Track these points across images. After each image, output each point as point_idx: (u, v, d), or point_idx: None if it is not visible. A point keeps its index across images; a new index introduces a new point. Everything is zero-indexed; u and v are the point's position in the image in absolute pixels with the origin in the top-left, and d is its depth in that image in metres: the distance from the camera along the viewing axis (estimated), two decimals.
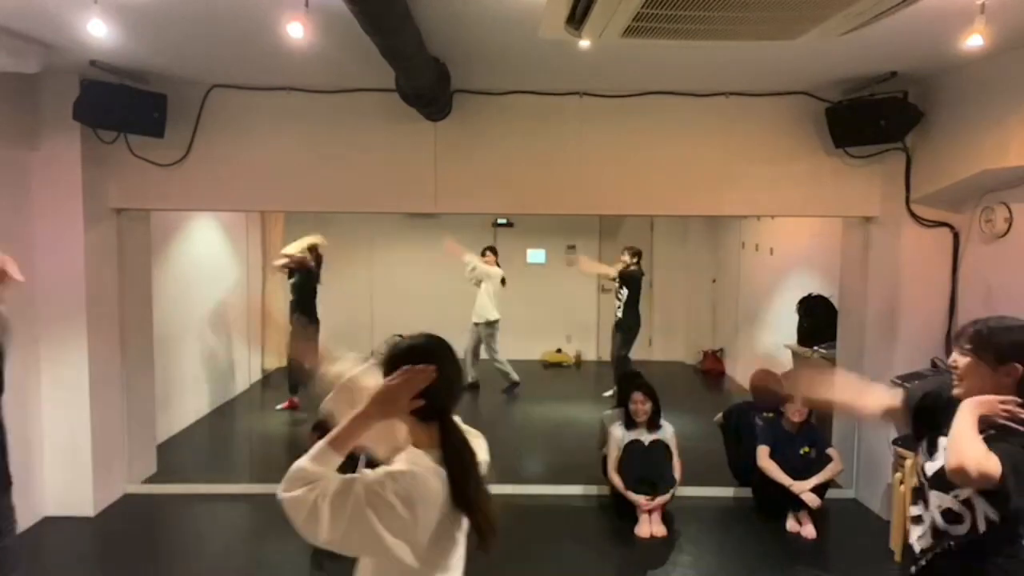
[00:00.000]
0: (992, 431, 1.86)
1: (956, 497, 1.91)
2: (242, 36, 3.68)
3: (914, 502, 2.12)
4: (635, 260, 7.90)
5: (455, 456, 1.63)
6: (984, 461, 1.72)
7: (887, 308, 4.81)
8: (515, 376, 8.29)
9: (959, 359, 1.93)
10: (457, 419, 1.75)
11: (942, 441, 1.94)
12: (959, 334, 1.97)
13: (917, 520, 2.08)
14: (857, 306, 5.12)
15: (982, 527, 1.88)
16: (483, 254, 8.37)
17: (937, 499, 1.97)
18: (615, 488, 4.74)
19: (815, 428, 4.86)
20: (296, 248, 7.24)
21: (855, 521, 4.80)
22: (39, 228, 4.55)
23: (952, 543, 1.95)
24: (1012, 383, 1.84)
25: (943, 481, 1.91)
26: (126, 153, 4.73)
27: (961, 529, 1.92)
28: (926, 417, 2.05)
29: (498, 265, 8.36)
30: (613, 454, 4.80)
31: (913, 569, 2.07)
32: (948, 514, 1.94)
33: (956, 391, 1.94)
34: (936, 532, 1.98)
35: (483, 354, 8.28)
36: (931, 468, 2.00)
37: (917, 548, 2.06)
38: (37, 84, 4.44)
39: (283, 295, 8.66)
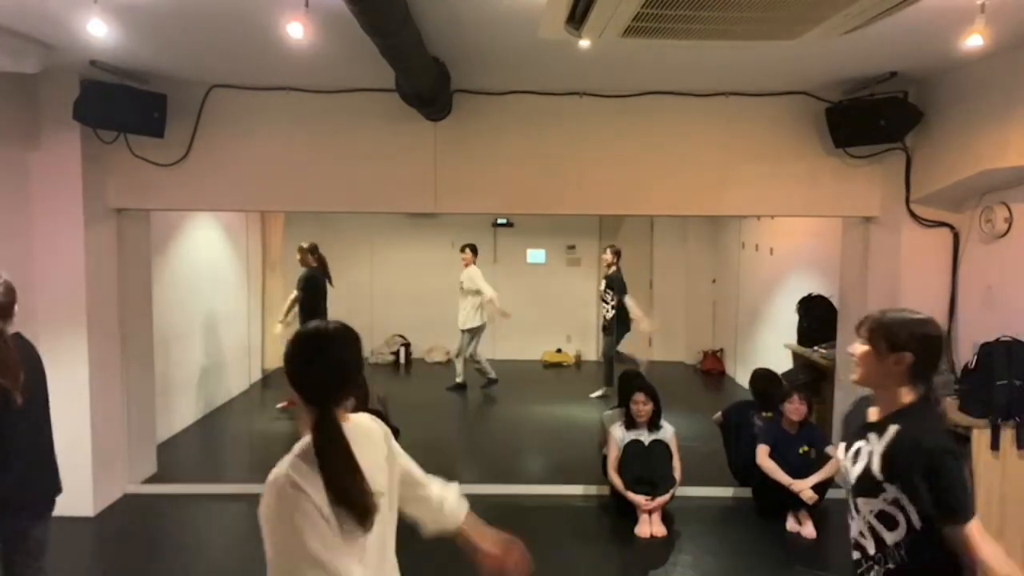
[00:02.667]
0: (898, 416, 1.95)
1: (885, 500, 1.95)
2: (242, 36, 3.68)
3: (849, 511, 2.13)
4: (615, 260, 7.82)
5: (324, 446, 1.63)
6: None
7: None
8: (461, 379, 8.30)
9: (857, 347, 2.03)
10: (363, 416, 1.79)
11: (862, 446, 2.02)
12: (859, 324, 2.07)
13: (849, 529, 2.10)
14: (857, 306, 5.11)
15: (918, 525, 1.91)
16: (462, 251, 8.26)
17: (866, 504, 2.00)
18: (615, 488, 4.74)
19: (814, 427, 4.86)
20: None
21: None
22: (39, 228, 4.55)
23: (900, 555, 1.95)
24: (902, 370, 1.95)
25: (866, 486, 1.98)
26: (126, 153, 4.74)
27: (899, 533, 1.94)
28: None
29: (475, 263, 8.23)
30: (613, 454, 4.80)
31: None
32: (883, 517, 1.97)
33: (852, 376, 2.05)
34: (875, 539, 2.00)
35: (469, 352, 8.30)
36: (853, 474, 2.04)
37: (855, 556, 2.08)
38: (37, 84, 4.44)
39: (283, 296, 8.67)
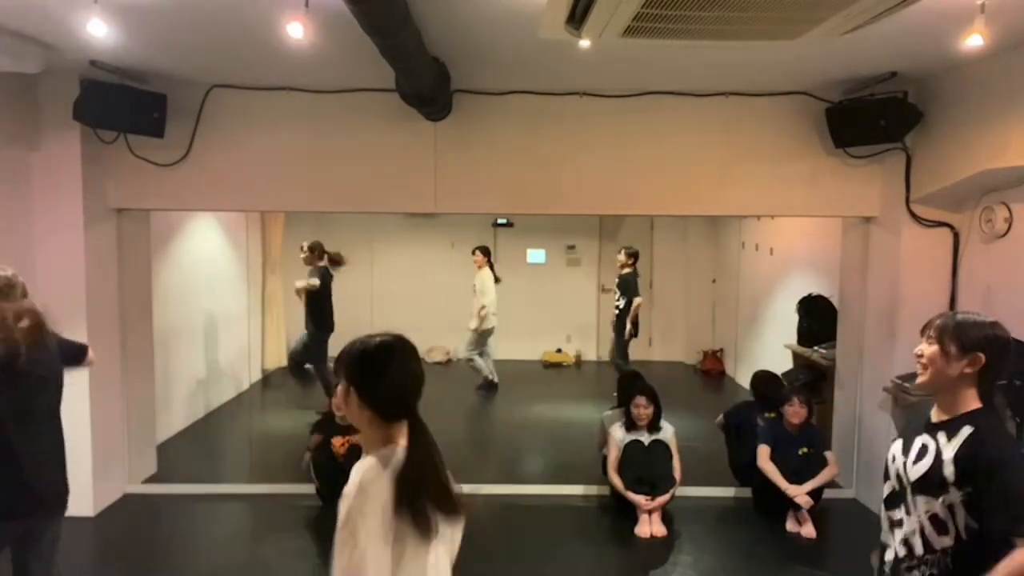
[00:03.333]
0: (969, 418, 1.91)
1: (943, 502, 1.92)
2: (242, 36, 3.68)
3: (892, 507, 2.09)
4: (630, 261, 7.85)
5: (422, 454, 1.67)
6: None
7: (887, 308, 4.81)
8: (493, 377, 8.30)
9: (925, 348, 2.00)
10: None
11: (927, 443, 1.98)
12: (926, 326, 2.04)
13: (898, 524, 2.05)
14: (857, 306, 5.12)
15: (964, 535, 1.89)
16: (473, 253, 8.30)
17: (925, 504, 1.96)
18: (615, 488, 4.74)
19: (815, 429, 4.86)
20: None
21: (855, 521, 4.79)
22: (39, 228, 4.55)
23: (946, 562, 1.92)
24: (974, 372, 1.93)
25: (930, 485, 1.93)
26: (126, 153, 4.73)
27: (947, 540, 1.92)
28: None
29: (490, 265, 8.28)
30: (613, 454, 4.80)
31: None
32: (936, 521, 1.94)
33: (920, 379, 2.02)
34: (923, 540, 1.97)
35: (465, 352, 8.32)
36: (916, 472, 1.99)
37: (900, 552, 2.03)
38: (37, 84, 4.44)
39: (283, 296, 8.67)
